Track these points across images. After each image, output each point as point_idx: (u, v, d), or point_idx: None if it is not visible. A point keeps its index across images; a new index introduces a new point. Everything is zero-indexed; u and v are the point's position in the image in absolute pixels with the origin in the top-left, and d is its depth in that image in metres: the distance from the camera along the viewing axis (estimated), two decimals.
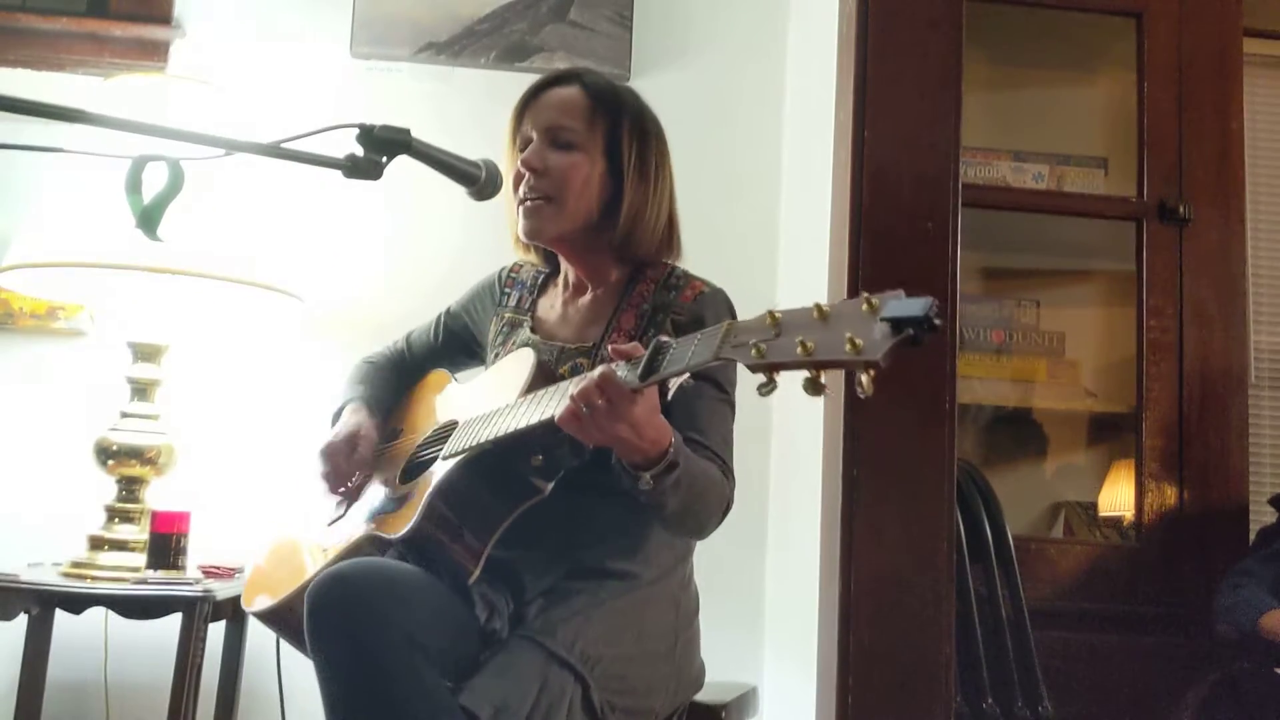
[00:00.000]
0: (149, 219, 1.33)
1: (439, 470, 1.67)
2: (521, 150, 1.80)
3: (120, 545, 2.29)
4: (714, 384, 1.71)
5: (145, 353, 2.38)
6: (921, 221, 2.10)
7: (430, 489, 1.63)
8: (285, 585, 1.82)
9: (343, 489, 1.86)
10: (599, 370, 1.41)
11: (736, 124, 2.83)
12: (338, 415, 1.97)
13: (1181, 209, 2.77)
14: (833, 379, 1.11)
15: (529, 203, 1.77)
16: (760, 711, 2.13)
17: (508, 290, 1.96)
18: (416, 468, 1.78)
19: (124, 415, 2.35)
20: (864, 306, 1.07)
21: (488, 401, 1.68)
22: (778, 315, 1.16)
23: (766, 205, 2.80)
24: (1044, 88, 3.17)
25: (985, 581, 2.26)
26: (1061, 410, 3.06)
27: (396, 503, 1.74)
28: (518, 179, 1.79)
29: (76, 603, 2.21)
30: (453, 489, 1.63)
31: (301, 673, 1.69)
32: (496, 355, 1.88)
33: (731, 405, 1.76)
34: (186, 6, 2.73)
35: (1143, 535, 2.69)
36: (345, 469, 1.85)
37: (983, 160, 2.89)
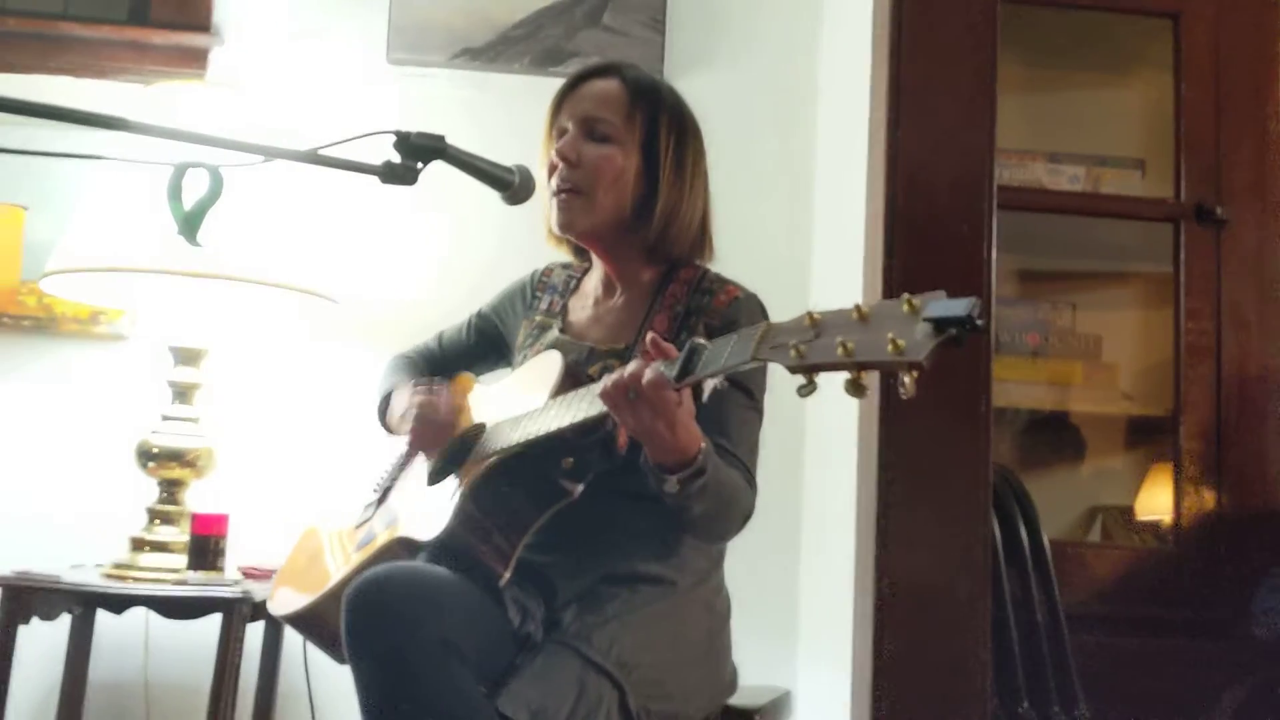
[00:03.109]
0: (190, 225, 1.35)
1: (469, 473, 1.67)
2: (557, 141, 1.79)
3: (161, 547, 2.31)
4: (744, 391, 1.70)
5: (186, 356, 2.40)
6: (956, 224, 2.09)
7: (462, 491, 1.63)
8: (312, 590, 1.83)
9: (430, 453, 1.82)
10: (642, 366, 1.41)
11: (770, 126, 2.82)
12: (385, 401, 1.97)
13: (1219, 210, 2.74)
14: (868, 382, 1.10)
15: (561, 195, 1.76)
16: (794, 715, 2.13)
17: (539, 294, 1.95)
18: (445, 469, 1.79)
19: (164, 418, 2.37)
20: (905, 307, 1.07)
21: (516, 403, 1.68)
22: (817, 316, 1.16)
23: (800, 208, 2.79)
24: (1080, 89, 3.15)
25: (1021, 585, 2.25)
26: (1098, 413, 3.03)
27: (426, 505, 1.74)
28: (551, 170, 1.78)
29: (118, 603, 2.24)
30: (484, 492, 1.63)
31: (334, 674, 1.70)
32: (524, 358, 1.87)
33: (760, 413, 1.75)
34: (225, 14, 2.75)
35: (1181, 539, 2.67)
36: (436, 433, 1.81)
37: (1018, 162, 2.87)
